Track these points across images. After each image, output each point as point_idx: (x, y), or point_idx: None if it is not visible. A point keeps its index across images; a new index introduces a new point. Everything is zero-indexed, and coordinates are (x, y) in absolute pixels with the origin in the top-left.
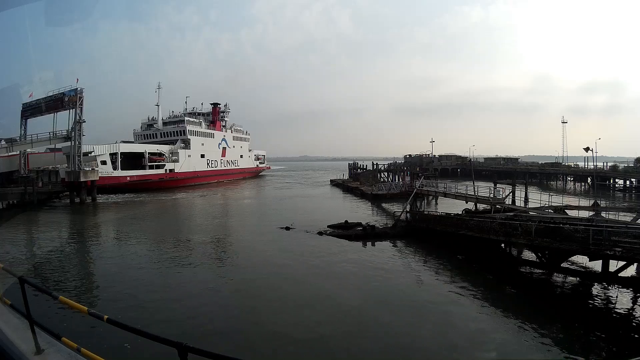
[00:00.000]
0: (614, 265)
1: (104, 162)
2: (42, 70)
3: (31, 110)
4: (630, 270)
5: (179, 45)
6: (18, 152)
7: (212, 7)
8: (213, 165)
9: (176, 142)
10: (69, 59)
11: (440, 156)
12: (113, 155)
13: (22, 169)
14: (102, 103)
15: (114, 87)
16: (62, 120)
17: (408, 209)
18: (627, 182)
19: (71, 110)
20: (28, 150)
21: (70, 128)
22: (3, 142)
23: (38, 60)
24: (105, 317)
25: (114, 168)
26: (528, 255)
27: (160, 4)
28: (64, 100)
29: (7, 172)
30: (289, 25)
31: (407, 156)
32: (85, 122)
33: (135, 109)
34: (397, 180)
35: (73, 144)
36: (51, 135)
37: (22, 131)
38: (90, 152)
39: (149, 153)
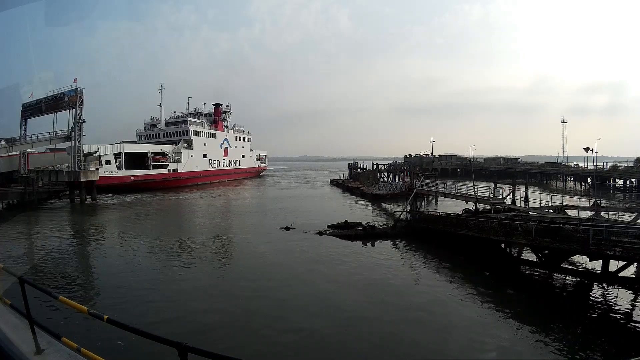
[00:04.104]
0: (614, 265)
1: (108, 162)
2: (42, 70)
3: (31, 110)
4: (630, 270)
5: (177, 44)
6: (18, 152)
7: (210, 6)
8: (215, 165)
9: (179, 142)
10: (69, 59)
11: (440, 156)
12: (117, 155)
13: (22, 169)
14: (102, 102)
15: (113, 87)
16: (62, 120)
17: (408, 209)
18: (627, 182)
19: (71, 110)
20: (28, 150)
21: (70, 128)
22: (3, 142)
23: (38, 60)
24: (105, 317)
25: (118, 168)
26: (528, 255)
27: (157, 2)
28: (64, 100)
29: (7, 172)
30: (287, 24)
31: (407, 156)
32: (85, 122)
33: (135, 107)
34: (397, 180)
35: (73, 144)
36: (51, 135)
37: (22, 131)
38: (95, 152)
39: (152, 153)
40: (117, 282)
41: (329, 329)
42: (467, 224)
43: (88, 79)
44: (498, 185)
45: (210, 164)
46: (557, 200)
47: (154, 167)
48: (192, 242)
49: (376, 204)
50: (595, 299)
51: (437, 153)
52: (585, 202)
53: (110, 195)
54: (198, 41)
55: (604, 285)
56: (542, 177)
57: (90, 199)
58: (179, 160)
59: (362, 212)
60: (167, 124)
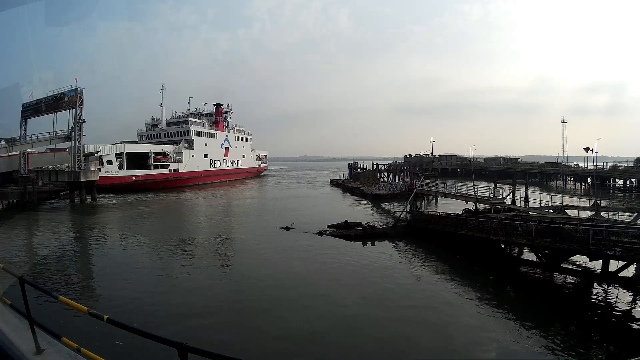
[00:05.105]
0: (614, 265)
1: (109, 162)
2: (42, 70)
3: (31, 110)
4: (630, 270)
5: (177, 44)
6: (18, 152)
7: (210, 6)
8: (216, 165)
9: (180, 143)
10: (69, 59)
11: (440, 156)
12: (119, 155)
13: (22, 169)
14: (103, 102)
15: (113, 87)
16: (63, 120)
17: (408, 209)
18: (627, 182)
19: (71, 110)
20: (28, 150)
21: (70, 128)
22: (3, 142)
23: (38, 60)
24: (105, 317)
25: (120, 168)
26: (528, 255)
27: (157, 2)
28: (64, 100)
29: (7, 172)
30: (287, 24)
31: (407, 156)
32: (85, 122)
33: (135, 108)
34: (397, 180)
35: (73, 144)
36: (51, 135)
37: (22, 131)
38: (97, 152)
39: (153, 153)
40: (117, 282)
41: (329, 329)
42: (467, 224)
43: (88, 79)
44: (498, 185)
45: (211, 164)
46: (557, 200)
47: (155, 167)
48: (193, 242)
49: (376, 204)
50: (595, 299)
51: (437, 153)
52: (585, 202)
53: (108, 195)
54: (198, 41)
55: (604, 285)
56: (542, 177)
57: (90, 199)
58: (180, 160)
59: (362, 212)
60: (168, 124)
